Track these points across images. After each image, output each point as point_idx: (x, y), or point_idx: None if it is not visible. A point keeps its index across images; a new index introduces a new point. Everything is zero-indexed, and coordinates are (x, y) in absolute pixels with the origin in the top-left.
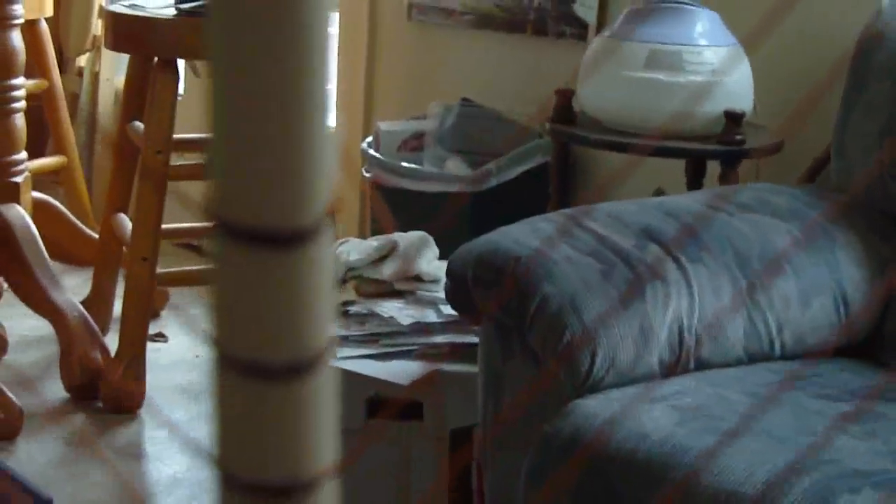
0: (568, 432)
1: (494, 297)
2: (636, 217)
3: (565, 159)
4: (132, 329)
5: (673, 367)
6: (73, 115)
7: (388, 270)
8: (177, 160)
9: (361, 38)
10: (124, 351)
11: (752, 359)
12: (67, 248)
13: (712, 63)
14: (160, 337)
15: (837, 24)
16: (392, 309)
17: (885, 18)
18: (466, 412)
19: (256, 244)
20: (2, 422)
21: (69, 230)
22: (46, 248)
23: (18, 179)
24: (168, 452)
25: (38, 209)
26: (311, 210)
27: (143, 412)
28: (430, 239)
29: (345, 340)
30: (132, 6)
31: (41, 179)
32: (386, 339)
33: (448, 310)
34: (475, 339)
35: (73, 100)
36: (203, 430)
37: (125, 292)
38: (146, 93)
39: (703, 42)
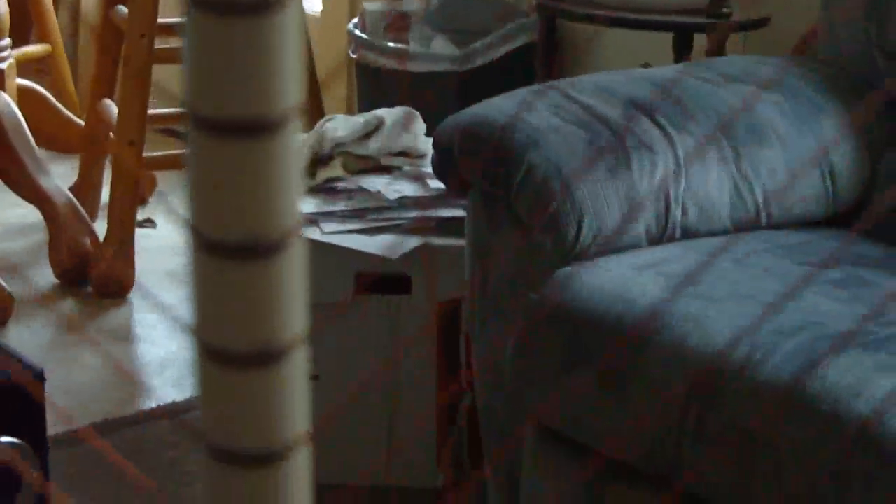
0: (555, 300)
1: (480, 166)
2: (622, 87)
3: (552, 36)
4: (120, 213)
5: (659, 236)
6: (56, 2)
7: (374, 146)
8: (160, 44)
9: None
10: (113, 235)
11: (738, 228)
12: (54, 135)
13: None
14: (149, 223)
15: None
16: (379, 184)
17: None
18: (454, 285)
19: (226, 134)
20: None
21: (55, 117)
22: (33, 136)
23: (3, 66)
24: (158, 335)
25: (24, 96)
26: (278, 103)
27: (133, 296)
28: (417, 114)
29: (332, 216)
30: None
31: (26, 68)
32: (373, 214)
33: (435, 184)
34: (462, 213)
35: None
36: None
37: (112, 177)
38: None
39: None
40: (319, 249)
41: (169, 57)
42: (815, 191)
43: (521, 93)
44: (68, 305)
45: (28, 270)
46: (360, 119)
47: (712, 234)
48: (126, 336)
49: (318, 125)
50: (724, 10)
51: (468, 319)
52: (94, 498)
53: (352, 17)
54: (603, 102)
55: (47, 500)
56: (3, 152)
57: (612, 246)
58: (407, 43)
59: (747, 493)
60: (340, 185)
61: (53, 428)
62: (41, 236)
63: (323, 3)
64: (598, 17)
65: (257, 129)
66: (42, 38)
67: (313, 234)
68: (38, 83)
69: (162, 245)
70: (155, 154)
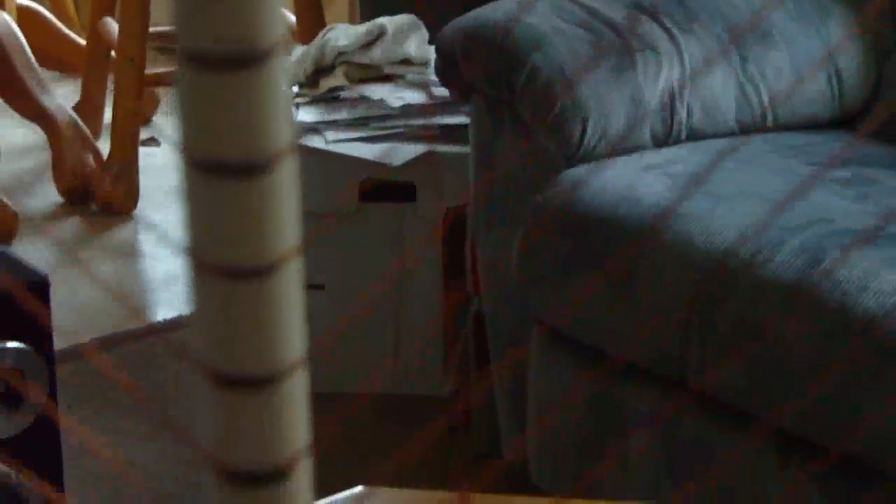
0: (560, 201)
1: (483, 70)
2: None
3: None
4: (123, 131)
5: (665, 138)
6: None
7: (377, 54)
8: None
9: None
10: (116, 153)
11: (744, 130)
12: (55, 55)
13: None
14: (152, 141)
15: None
16: (382, 92)
17: None
18: (460, 192)
19: (214, 66)
20: None
21: (56, 36)
22: (33, 55)
23: None
24: (162, 252)
25: (24, 15)
26: (266, 34)
27: (137, 214)
28: (420, 22)
29: (335, 125)
30: None
31: None
32: (377, 122)
33: (439, 91)
34: (467, 120)
35: None
36: None
37: (115, 95)
38: None
39: None
40: (323, 158)
41: None
42: (821, 93)
43: None
44: (73, 223)
45: (33, 189)
46: (362, 28)
47: (718, 135)
48: (130, 253)
49: (319, 35)
50: None
51: (473, 225)
52: (96, 412)
53: None
54: (606, 5)
55: (53, 408)
56: (4, 71)
57: (618, 148)
58: None
59: (756, 390)
60: (343, 94)
61: (58, 343)
62: (45, 156)
63: None
64: None
65: (244, 62)
66: None
67: (317, 143)
68: (37, 2)
69: (166, 163)
70: (157, 71)
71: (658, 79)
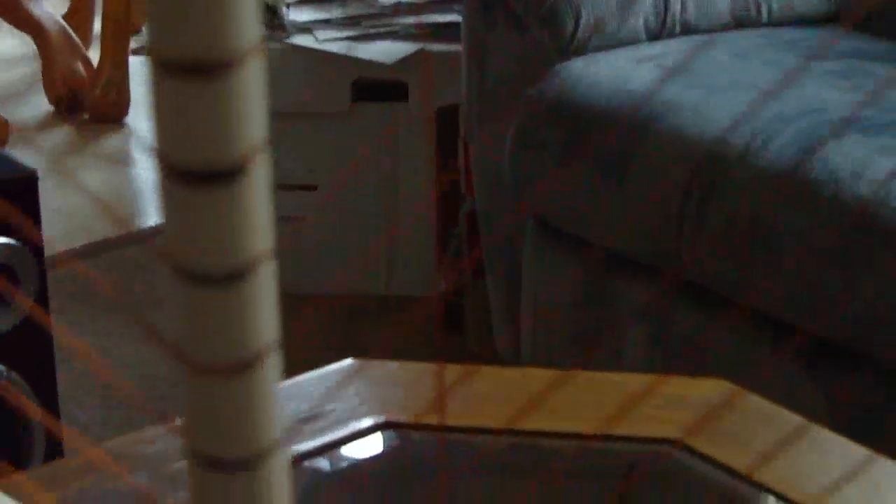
0: (553, 93)
1: None
2: None
3: None
4: (113, 40)
5: (658, 31)
6: None
7: None
8: None
9: None
10: (106, 62)
11: (739, 25)
12: None
13: None
14: (143, 50)
15: None
16: None
17: None
18: (452, 90)
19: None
20: None
21: None
22: None
23: None
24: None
25: None
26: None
27: (128, 121)
28: None
29: (327, 24)
30: None
31: None
32: (368, 21)
33: None
34: (459, 18)
35: None
36: None
37: (104, 3)
38: None
39: None
40: (315, 57)
41: None
42: None
43: None
44: (64, 131)
45: (24, 98)
46: None
47: (712, 30)
48: (122, 159)
49: None
50: None
51: (465, 123)
52: (89, 317)
53: None
54: None
55: (44, 304)
56: None
57: (611, 41)
58: None
59: (748, 279)
60: None
61: (48, 250)
62: (37, 66)
63: None
64: None
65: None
66: None
67: (308, 42)
68: None
69: None
70: None
71: None
